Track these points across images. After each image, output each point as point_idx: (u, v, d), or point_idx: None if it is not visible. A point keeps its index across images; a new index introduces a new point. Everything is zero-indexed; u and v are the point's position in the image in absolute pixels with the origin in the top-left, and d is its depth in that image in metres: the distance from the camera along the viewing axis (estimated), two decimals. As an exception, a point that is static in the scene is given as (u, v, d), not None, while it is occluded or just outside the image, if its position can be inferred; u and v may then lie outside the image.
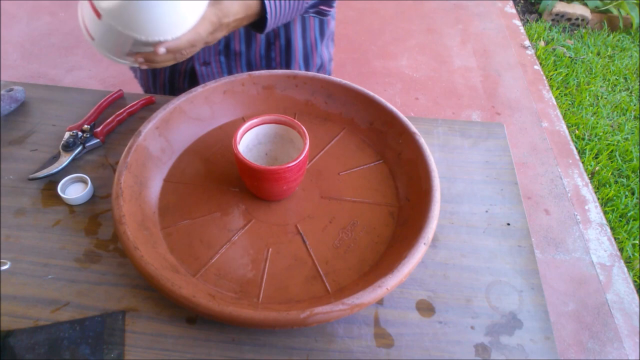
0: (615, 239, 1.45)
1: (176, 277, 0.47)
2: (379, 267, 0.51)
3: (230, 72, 0.79)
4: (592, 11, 2.40)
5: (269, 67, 0.80)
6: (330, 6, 0.73)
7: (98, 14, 0.51)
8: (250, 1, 0.60)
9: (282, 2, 0.62)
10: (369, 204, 0.58)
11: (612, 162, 1.71)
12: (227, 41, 0.75)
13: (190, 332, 0.48)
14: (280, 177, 0.53)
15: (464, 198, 0.62)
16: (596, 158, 1.73)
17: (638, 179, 1.64)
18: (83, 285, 0.51)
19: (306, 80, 0.68)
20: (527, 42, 2.28)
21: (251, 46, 0.76)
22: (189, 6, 0.53)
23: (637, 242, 1.44)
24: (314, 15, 0.73)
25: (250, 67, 0.80)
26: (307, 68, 0.83)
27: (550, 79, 2.08)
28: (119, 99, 0.73)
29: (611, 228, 1.48)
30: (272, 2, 0.61)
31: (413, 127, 0.61)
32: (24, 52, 2.02)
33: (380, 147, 0.64)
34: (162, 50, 0.53)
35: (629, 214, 1.52)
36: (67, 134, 0.64)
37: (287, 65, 0.81)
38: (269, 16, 0.62)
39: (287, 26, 0.75)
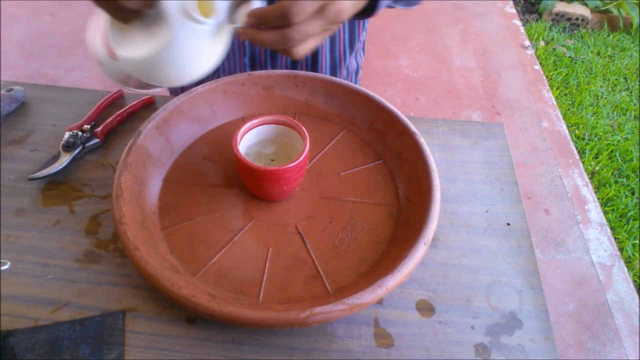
0: (615, 239, 1.45)
1: (176, 277, 0.47)
2: (379, 267, 0.51)
3: None
4: (592, 11, 2.40)
5: None
6: None
7: (114, 57, 0.49)
8: None
9: None
10: (369, 204, 0.58)
11: (612, 162, 1.71)
12: (252, 54, 0.75)
13: (190, 332, 0.48)
14: (281, 177, 0.53)
15: (464, 198, 0.62)
16: (596, 158, 1.73)
17: (638, 179, 1.64)
18: (83, 285, 0.51)
19: (306, 80, 0.68)
20: (527, 42, 2.28)
21: (276, 58, 0.76)
22: (209, 56, 0.48)
23: (637, 242, 1.44)
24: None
25: None
26: None
27: (550, 79, 2.08)
28: (119, 99, 0.73)
29: (611, 228, 1.48)
30: None
31: (413, 127, 0.61)
32: (24, 52, 2.02)
33: (380, 147, 0.64)
34: None
35: (629, 214, 1.52)
36: (67, 134, 0.64)
37: None
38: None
39: None
